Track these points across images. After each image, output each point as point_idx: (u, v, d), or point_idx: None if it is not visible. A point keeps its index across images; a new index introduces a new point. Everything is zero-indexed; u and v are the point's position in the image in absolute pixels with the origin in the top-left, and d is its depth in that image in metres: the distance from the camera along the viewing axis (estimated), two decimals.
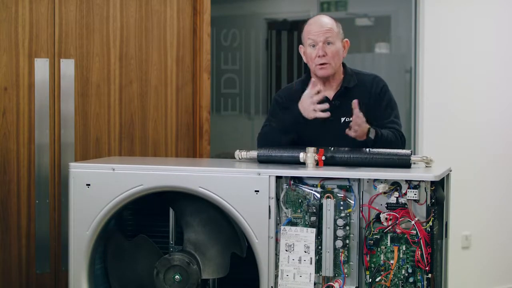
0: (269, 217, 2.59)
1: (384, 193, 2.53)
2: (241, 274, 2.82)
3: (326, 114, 2.85)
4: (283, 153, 2.80)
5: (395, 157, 2.70)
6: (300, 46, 3.07)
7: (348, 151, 2.74)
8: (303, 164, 2.73)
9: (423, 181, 2.49)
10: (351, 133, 2.81)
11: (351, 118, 2.97)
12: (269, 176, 2.59)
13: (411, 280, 2.50)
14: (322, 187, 2.59)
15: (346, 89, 3.03)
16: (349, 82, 3.03)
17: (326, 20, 3.01)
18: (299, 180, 2.62)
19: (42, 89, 3.47)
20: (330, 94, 3.04)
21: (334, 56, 2.97)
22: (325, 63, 2.97)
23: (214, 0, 4.05)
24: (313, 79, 2.94)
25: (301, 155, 2.73)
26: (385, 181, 2.53)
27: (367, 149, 2.74)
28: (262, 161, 2.84)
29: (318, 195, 2.58)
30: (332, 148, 2.75)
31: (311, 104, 2.85)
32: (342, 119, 3.00)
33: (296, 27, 5.44)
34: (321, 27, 2.98)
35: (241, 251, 2.78)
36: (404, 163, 2.68)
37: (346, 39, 3.04)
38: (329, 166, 2.70)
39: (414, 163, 2.72)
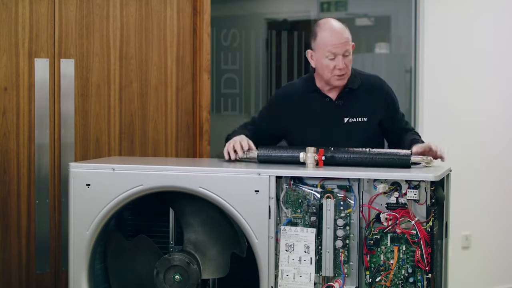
0: (269, 217, 2.59)
1: (384, 193, 2.53)
2: (241, 274, 2.82)
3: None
4: (283, 153, 2.80)
5: (395, 157, 2.70)
6: (308, 51, 3.03)
7: (348, 151, 2.74)
8: (303, 164, 2.73)
9: (423, 181, 2.49)
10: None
11: (354, 119, 2.99)
12: (269, 176, 2.59)
13: (411, 280, 2.50)
14: (322, 187, 2.59)
15: (350, 90, 3.03)
16: (354, 83, 3.03)
17: (342, 29, 2.96)
18: (299, 180, 2.62)
19: (42, 89, 3.47)
20: (334, 94, 3.04)
21: (349, 65, 2.97)
22: (344, 74, 2.96)
23: (214, 0, 4.05)
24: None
25: (301, 155, 2.73)
26: (385, 181, 2.53)
27: (367, 149, 2.74)
28: (262, 161, 2.84)
29: (318, 195, 2.58)
30: (332, 148, 2.75)
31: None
32: (346, 119, 3.01)
33: (296, 27, 5.44)
34: (340, 38, 2.93)
35: (241, 251, 2.78)
36: (404, 163, 2.68)
37: (352, 43, 3.03)
38: (329, 166, 2.70)
39: (414, 163, 2.72)
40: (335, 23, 2.98)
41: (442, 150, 2.79)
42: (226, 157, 2.89)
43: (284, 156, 2.78)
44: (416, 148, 2.79)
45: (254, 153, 2.87)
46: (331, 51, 2.92)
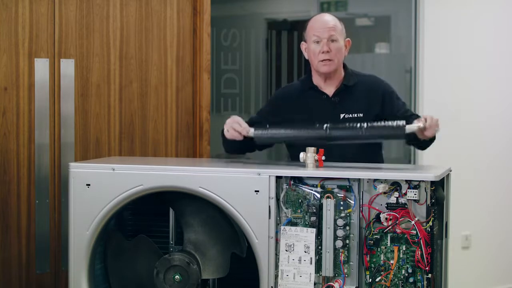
0: (269, 217, 2.59)
1: (384, 193, 2.53)
2: (241, 274, 2.82)
3: None
4: (281, 134, 2.82)
5: (389, 129, 2.69)
6: (302, 43, 3.12)
7: (343, 127, 2.74)
8: (303, 164, 2.73)
9: (423, 181, 2.49)
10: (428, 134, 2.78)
11: (350, 115, 3.01)
12: (269, 176, 2.59)
13: (411, 280, 2.50)
14: (322, 187, 2.59)
15: (346, 86, 3.07)
16: (349, 80, 3.09)
17: (330, 18, 3.07)
18: (299, 180, 2.62)
19: (42, 89, 3.47)
20: (330, 90, 3.07)
21: (337, 53, 3.03)
22: (329, 59, 3.00)
23: (214, 0, 4.05)
24: None
25: (301, 155, 2.73)
26: (385, 181, 2.53)
27: (363, 124, 2.72)
28: (260, 142, 2.86)
29: (318, 195, 2.58)
30: (328, 126, 2.75)
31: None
32: (342, 115, 3.04)
33: (296, 27, 5.45)
34: (326, 24, 3.03)
35: (241, 251, 2.78)
36: (399, 134, 2.69)
37: (348, 39, 3.09)
38: (329, 167, 2.70)
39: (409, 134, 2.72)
40: (325, 15, 3.11)
41: (434, 121, 2.78)
42: (230, 136, 2.91)
43: (281, 133, 2.81)
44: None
45: (251, 132, 2.87)
46: (316, 35, 3.02)
